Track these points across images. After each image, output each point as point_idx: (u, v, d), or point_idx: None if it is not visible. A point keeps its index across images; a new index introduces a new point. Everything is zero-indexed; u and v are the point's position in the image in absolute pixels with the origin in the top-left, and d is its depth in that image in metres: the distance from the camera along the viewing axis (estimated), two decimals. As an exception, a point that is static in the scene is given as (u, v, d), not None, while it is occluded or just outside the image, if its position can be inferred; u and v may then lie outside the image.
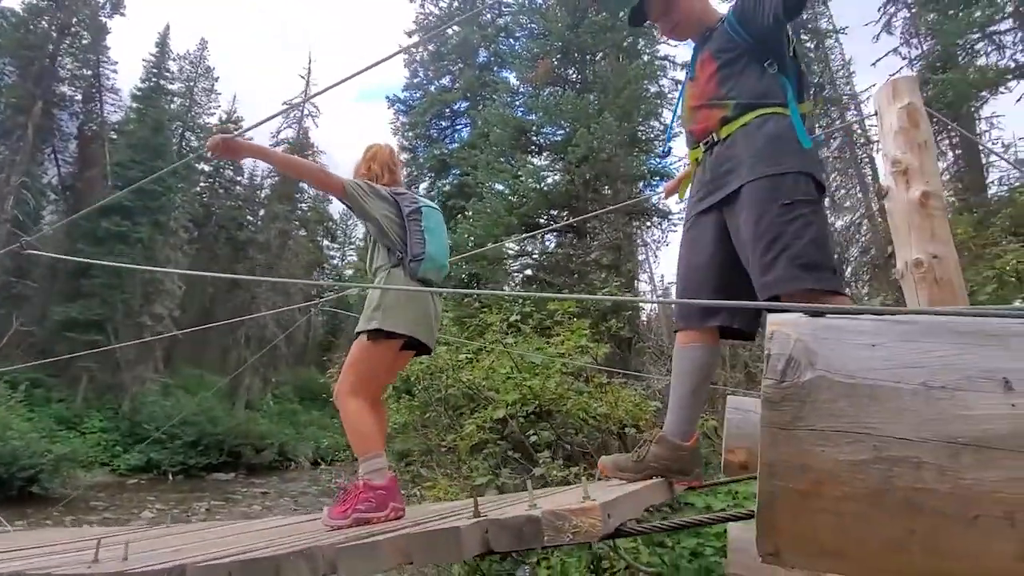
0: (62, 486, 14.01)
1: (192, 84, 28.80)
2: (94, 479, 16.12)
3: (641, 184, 12.47)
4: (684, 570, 3.40)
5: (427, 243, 2.17)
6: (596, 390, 4.68)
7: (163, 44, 25.57)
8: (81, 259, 2.79)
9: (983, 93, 9.91)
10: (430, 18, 24.77)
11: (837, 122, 13.48)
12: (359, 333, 2.10)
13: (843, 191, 14.01)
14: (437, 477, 4.81)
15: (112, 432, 18.76)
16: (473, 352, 5.30)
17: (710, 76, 1.77)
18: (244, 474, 19.42)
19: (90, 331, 19.08)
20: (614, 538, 1.51)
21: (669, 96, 13.14)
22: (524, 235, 11.51)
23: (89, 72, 24.00)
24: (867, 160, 13.20)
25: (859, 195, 13.39)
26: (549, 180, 12.48)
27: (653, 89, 12.57)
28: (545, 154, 14.11)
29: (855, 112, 13.50)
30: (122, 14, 24.10)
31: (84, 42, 23.53)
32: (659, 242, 14.31)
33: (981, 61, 10.39)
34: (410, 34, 24.91)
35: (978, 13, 9.67)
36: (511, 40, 20.45)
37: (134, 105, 24.12)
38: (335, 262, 35.42)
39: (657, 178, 12.35)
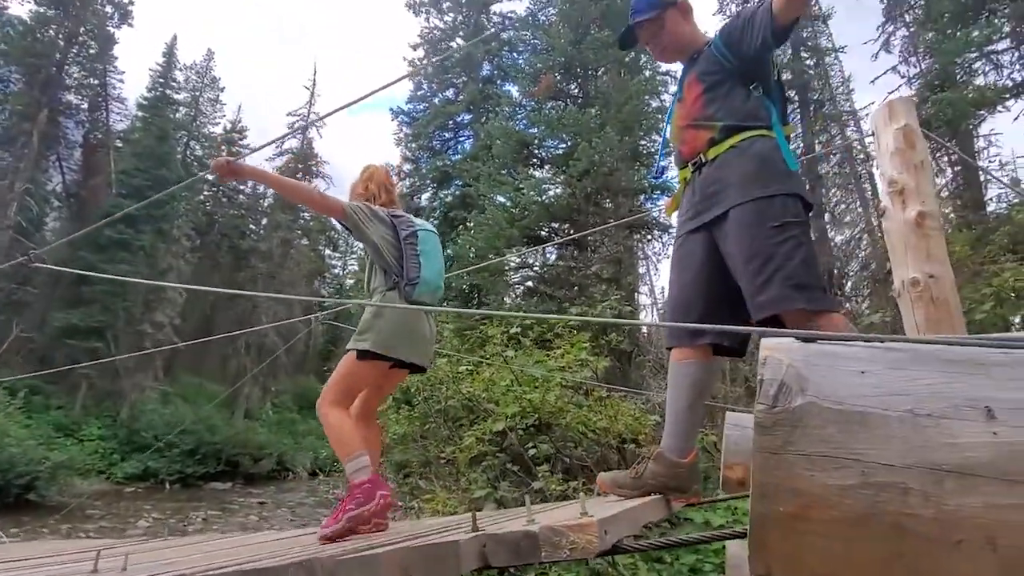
0: (59, 494, 13.93)
1: (198, 94, 29.10)
2: (91, 487, 16.03)
3: (642, 197, 12.55)
4: (683, 587, 3.39)
5: (422, 267, 2.21)
6: (596, 403, 4.69)
7: (170, 54, 25.86)
8: (89, 272, 2.78)
9: (981, 112, 10.01)
10: (435, 32, 25.07)
11: (837, 139, 13.59)
12: (349, 349, 2.16)
13: (843, 206, 14.08)
14: (436, 490, 4.80)
15: (110, 440, 18.70)
16: (473, 364, 5.31)
17: (697, 97, 1.82)
18: (242, 484, 19.31)
19: (90, 338, 19.10)
20: (611, 555, 1.52)
21: (670, 111, 13.22)
22: (525, 249, 11.56)
23: (95, 81, 24.26)
24: (867, 176, 13.28)
25: (859, 210, 13.46)
26: (551, 193, 12.56)
27: (654, 104, 12.70)
28: (547, 167, 14.22)
29: (855, 129, 13.62)
30: (130, 24, 24.43)
31: (91, 51, 23.80)
32: (660, 255, 14.38)
33: (979, 80, 10.52)
34: (415, 47, 25.20)
35: (976, 33, 9.80)
36: (514, 54, 20.68)
37: (140, 114, 24.34)
38: (336, 271, 35.55)
39: (658, 192, 12.43)
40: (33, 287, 20.00)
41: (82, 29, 23.22)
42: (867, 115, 11.14)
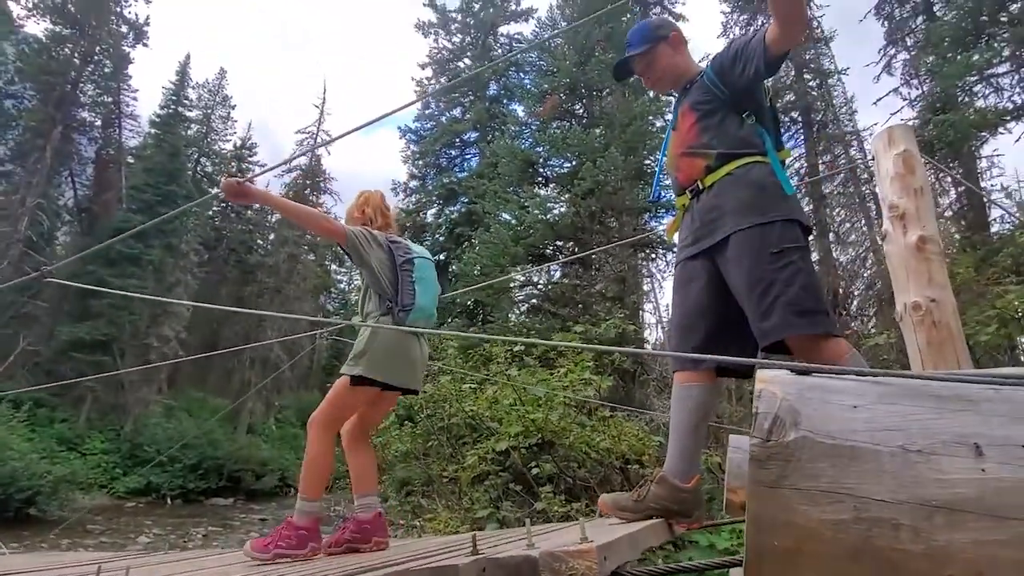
0: (59, 509, 13.86)
1: (209, 112, 29.59)
2: (92, 502, 15.96)
3: (646, 216, 12.60)
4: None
5: (417, 294, 2.26)
6: (599, 423, 4.67)
7: (183, 73, 26.36)
8: (100, 288, 2.82)
9: (983, 133, 10.08)
10: (443, 52, 25.48)
11: (841, 159, 13.64)
12: (343, 374, 2.21)
13: (848, 225, 14.07)
14: (438, 508, 4.77)
15: (113, 454, 18.65)
16: (477, 382, 5.31)
17: (691, 126, 1.86)
18: (243, 500, 19.18)
19: (96, 352, 19.18)
20: (613, 580, 1.51)
21: (674, 131, 13.31)
22: (530, 267, 11.60)
23: (109, 99, 24.71)
24: (871, 195, 13.30)
25: (863, 229, 13.44)
26: (555, 211, 12.63)
27: (658, 124, 12.80)
28: (552, 186, 14.32)
29: (857, 149, 13.68)
30: (145, 44, 24.95)
31: (106, 70, 24.29)
32: (664, 273, 14.38)
33: (980, 103, 10.61)
34: (423, 67, 25.62)
35: (976, 57, 9.92)
36: (520, 75, 20.99)
37: (152, 131, 24.73)
38: (342, 286, 35.66)
39: (662, 210, 12.48)
40: (42, 301, 20.16)
41: (97, 48, 23.74)
42: (870, 135, 11.21)
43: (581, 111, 15.22)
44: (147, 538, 12.28)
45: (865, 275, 12.44)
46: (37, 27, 22.85)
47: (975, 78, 10.38)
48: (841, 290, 11.29)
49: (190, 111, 27.59)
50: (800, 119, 13.94)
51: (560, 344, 1.79)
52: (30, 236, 20.14)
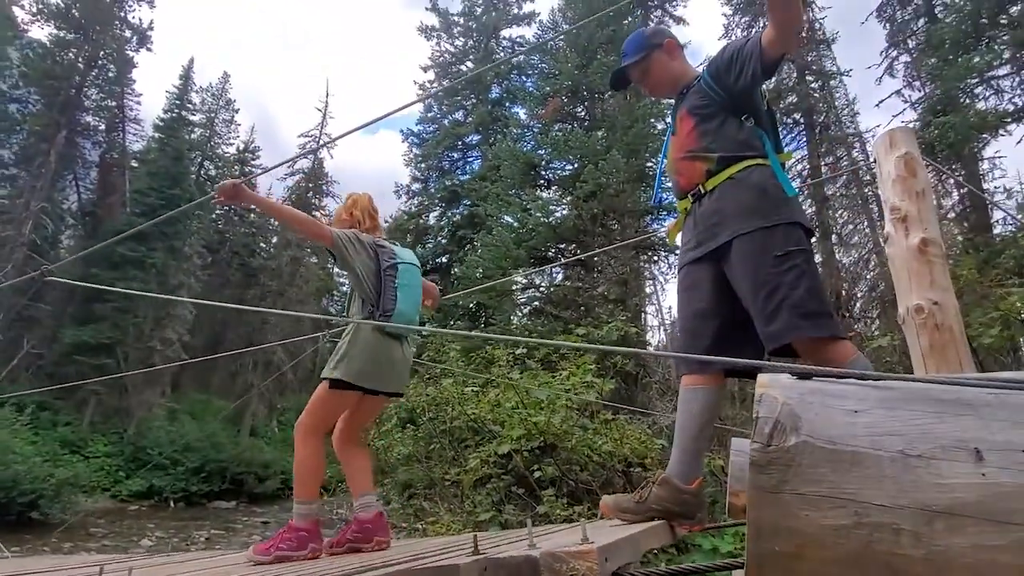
0: (62, 512, 13.86)
1: (213, 115, 29.71)
2: (95, 505, 15.98)
3: (648, 219, 12.61)
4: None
5: (399, 300, 2.27)
6: (601, 426, 4.66)
7: (186, 77, 26.48)
8: (99, 286, 2.86)
9: (984, 135, 10.09)
10: (445, 55, 25.55)
11: (843, 160, 13.63)
12: (323, 378, 2.22)
13: (851, 227, 14.05)
14: (440, 511, 4.76)
15: (116, 457, 18.68)
16: (479, 385, 5.31)
17: (690, 131, 1.86)
18: (246, 502, 19.19)
19: (100, 355, 19.22)
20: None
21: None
22: (532, 269, 11.61)
23: (113, 103, 24.83)
24: (873, 197, 13.28)
25: (866, 231, 13.42)
26: (557, 214, 12.65)
27: (660, 126, 12.82)
28: (554, 188, 14.34)
29: (860, 150, 13.67)
30: (148, 49, 25.08)
31: (110, 75, 24.42)
32: (667, 275, 14.37)
33: (981, 105, 10.63)
34: (426, 70, 25.68)
35: (976, 59, 9.95)
36: (523, 77, 21.03)
37: (156, 135, 24.84)
38: (344, 289, 35.70)
39: (664, 212, 12.48)
40: (45, 303, 20.25)
41: (101, 53, 23.86)
42: (872, 137, 11.21)
43: (583, 114, 15.24)
44: (150, 541, 12.29)
45: (868, 277, 12.41)
46: (41, 32, 23.03)
47: (976, 80, 10.41)
48: (844, 292, 11.26)
49: (193, 115, 27.73)
50: (802, 121, 13.93)
51: (563, 344, 1.79)
52: (34, 239, 20.24)
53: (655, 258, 13.50)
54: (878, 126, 12.77)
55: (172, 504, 17.87)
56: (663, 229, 13.12)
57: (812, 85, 14.07)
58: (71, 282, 2.92)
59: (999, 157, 10.74)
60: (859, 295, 11.96)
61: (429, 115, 24.77)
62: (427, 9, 25.46)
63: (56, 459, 15.60)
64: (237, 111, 30.74)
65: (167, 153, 23.84)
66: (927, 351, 2.21)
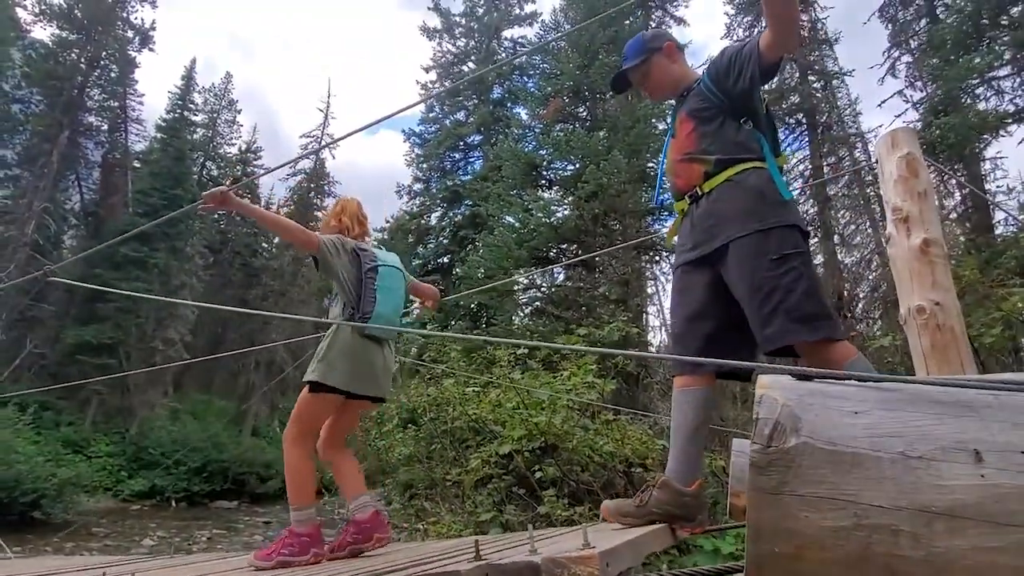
0: (64, 512, 13.88)
1: (215, 116, 29.77)
2: (97, 504, 16.02)
3: (650, 219, 12.60)
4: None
5: (378, 302, 2.26)
6: (602, 427, 4.66)
7: (189, 77, 26.54)
8: (101, 287, 2.86)
9: (985, 136, 10.09)
10: (447, 56, 25.56)
11: (845, 160, 13.61)
12: (304, 382, 2.23)
13: (853, 227, 14.02)
14: (441, 512, 4.76)
15: (118, 457, 18.72)
16: (480, 385, 5.31)
17: (689, 133, 1.87)
18: (248, 502, 19.21)
19: (102, 355, 19.27)
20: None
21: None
22: (533, 270, 11.61)
23: (116, 103, 24.89)
24: (875, 197, 13.25)
25: (869, 231, 13.39)
26: (559, 214, 12.65)
27: (661, 127, 12.81)
28: (555, 189, 14.34)
29: (862, 151, 13.64)
30: (151, 49, 25.13)
31: (112, 75, 24.48)
32: (668, 276, 14.36)
33: (982, 106, 10.62)
34: (427, 70, 25.70)
35: (977, 60, 9.96)
36: (524, 78, 21.03)
37: (158, 135, 24.90)
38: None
39: (666, 213, 12.48)
40: (48, 304, 20.30)
41: (104, 53, 23.92)
42: (875, 137, 11.21)
43: (584, 114, 15.24)
44: (152, 541, 12.30)
45: (870, 277, 12.39)
46: (44, 32, 23.11)
47: (976, 81, 10.40)
48: (846, 293, 11.25)
49: (196, 115, 27.79)
50: (804, 121, 13.91)
51: (563, 347, 1.79)
52: (37, 240, 20.29)
53: (656, 258, 13.48)
54: (880, 126, 12.76)
55: (174, 504, 17.90)
56: (664, 230, 13.12)
57: (814, 85, 14.05)
58: (72, 283, 2.93)
59: (1000, 158, 10.75)
60: (861, 296, 11.94)
61: (431, 115, 24.78)
62: (429, 9, 25.50)
63: (58, 459, 15.62)
64: (239, 111, 30.84)
65: (169, 153, 23.89)
66: (928, 351, 2.21)
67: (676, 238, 1.98)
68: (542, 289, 13.36)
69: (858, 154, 13.72)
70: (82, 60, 23.23)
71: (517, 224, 12.74)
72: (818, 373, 0.83)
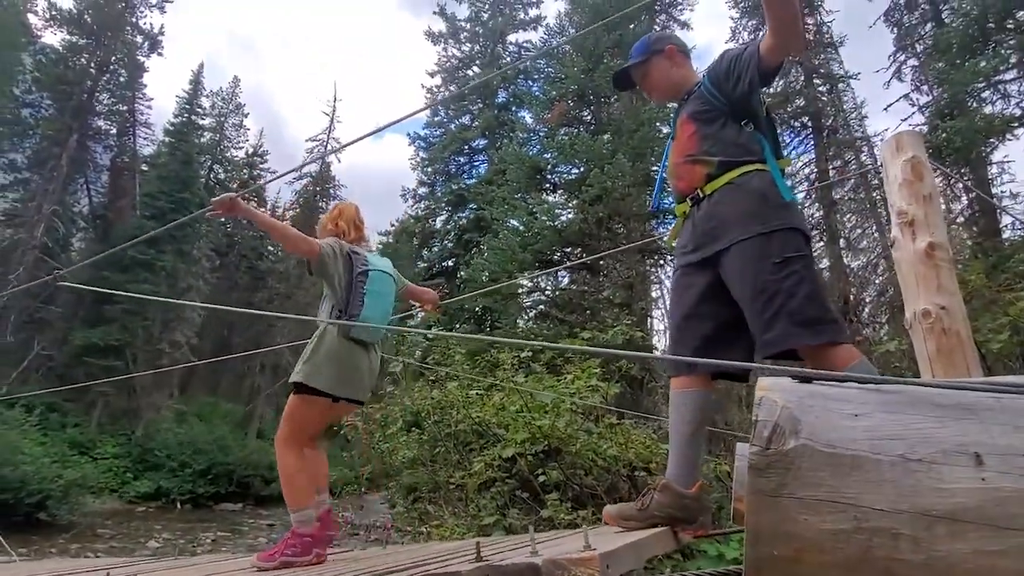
0: (70, 513, 13.92)
1: (223, 119, 29.98)
2: (103, 506, 16.07)
3: (654, 222, 12.57)
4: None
5: (365, 306, 2.28)
6: (606, 430, 4.64)
7: (196, 81, 26.75)
8: (111, 291, 2.88)
9: (992, 140, 10.03)
10: (452, 60, 25.67)
11: (851, 164, 13.55)
12: (290, 384, 2.24)
13: (859, 231, 13.95)
14: (444, 515, 4.76)
15: (124, 458, 18.79)
16: (484, 388, 5.30)
17: (690, 135, 1.87)
18: (252, 505, 19.24)
19: (109, 357, 19.38)
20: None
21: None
22: (538, 272, 11.61)
23: (124, 107, 25.12)
24: (882, 201, 13.17)
25: (875, 235, 13.32)
26: (563, 217, 12.64)
27: (665, 130, 12.81)
28: (559, 192, 14.35)
29: (868, 154, 13.58)
30: (159, 54, 25.36)
31: (121, 79, 24.71)
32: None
33: (988, 109, 10.56)
34: (432, 75, 25.82)
35: (983, 63, 9.90)
36: (529, 82, 21.08)
37: (166, 139, 25.09)
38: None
39: (671, 216, 12.44)
40: (56, 306, 20.44)
41: (113, 58, 24.16)
42: (881, 141, 11.15)
43: (589, 118, 15.25)
44: (156, 543, 12.34)
45: (877, 282, 12.30)
46: (54, 37, 23.36)
47: (982, 84, 10.35)
48: (852, 297, 11.17)
49: (203, 119, 27.99)
50: (810, 124, 13.87)
51: (568, 347, 1.79)
52: (46, 242, 20.47)
53: (661, 262, 13.44)
54: (886, 130, 12.68)
55: (179, 506, 17.95)
56: (668, 233, 13.07)
57: (820, 88, 14.02)
58: (82, 287, 2.96)
59: (1008, 161, 10.68)
60: (868, 300, 11.86)
61: (436, 119, 24.88)
62: (434, 13, 25.64)
63: (64, 460, 15.68)
64: (247, 115, 31.04)
65: (177, 157, 24.07)
66: (934, 356, 2.19)
67: (677, 240, 1.98)
68: (546, 292, 13.36)
69: (864, 158, 13.66)
70: (92, 65, 23.47)
71: (521, 227, 12.74)
72: (817, 375, 0.82)
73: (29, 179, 21.74)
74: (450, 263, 20.70)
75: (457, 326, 14.18)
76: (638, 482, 4.30)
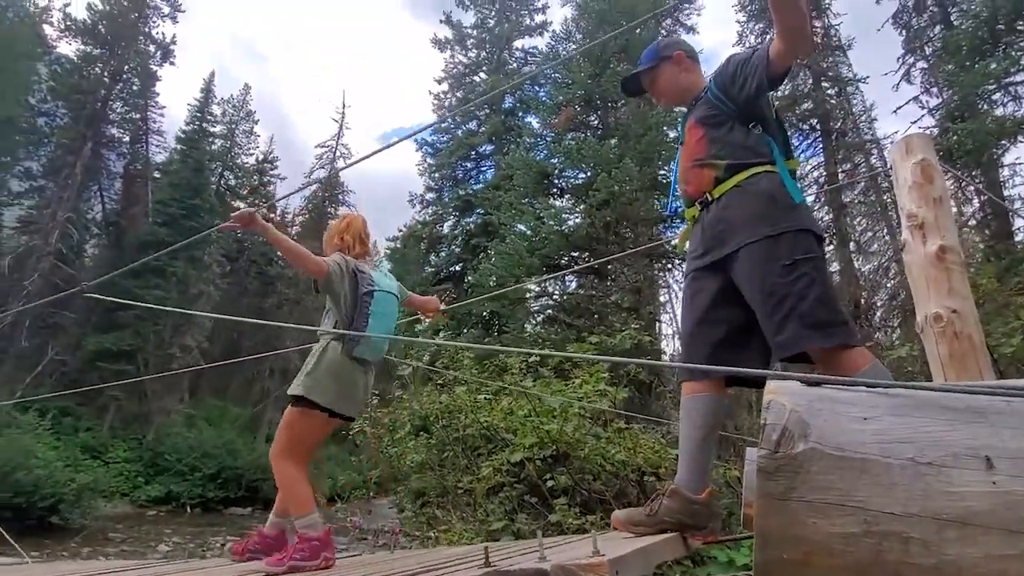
0: (82, 516, 14.03)
1: (234, 127, 30.31)
2: (114, 510, 16.20)
3: (661, 226, 12.55)
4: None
5: (369, 327, 2.29)
6: (615, 435, 4.62)
7: (208, 90, 27.08)
8: (139, 303, 2.89)
9: (1003, 142, 9.92)
10: (459, 67, 25.81)
11: (861, 167, 13.46)
12: (290, 396, 2.26)
13: (870, 234, 13.83)
14: (453, 520, 4.75)
15: (135, 462, 18.95)
16: (492, 392, 5.30)
17: (699, 140, 1.87)
18: (261, 509, 19.29)
19: (121, 361, 19.58)
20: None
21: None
22: (545, 277, 11.61)
23: (137, 116, 25.47)
24: (892, 204, 13.06)
25: (886, 238, 13.20)
26: (570, 222, 12.66)
27: (673, 134, 12.80)
28: (567, 197, 14.36)
29: (878, 157, 13.48)
30: (172, 63, 25.71)
31: (134, 88, 25.08)
32: (681, 284, 14.24)
33: (999, 111, 10.47)
34: (440, 82, 25.97)
35: (993, 65, 9.81)
36: (536, 87, 21.15)
37: (178, 147, 25.40)
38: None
39: (679, 220, 12.42)
40: (70, 312, 20.69)
41: (126, 67, 24.53)
42: (890, 144, 11.04)
43: (596, 122, 15.27)
44: (167, 547, 12.41)
45: (888, 286, 12.19)
46: (69, 47, 23.77)
47: (993, 86, 10.25)
48: (863, 301, 11.06)
49: (214, 126, 28.32)
50: (819, 127, 13.79)
51: (574, 356, 1.79)
52: (60, 249, 20.76)
53: (669, 266, 13.40)
54: (896, 132, 12.63)
55: (189, 510, 18.06)
56: (676, 237, 13.03)
57: (828, 91, 13.94)
58: (109, 298, 2.95)
59: (1019, 164, 10.55)
60: (879, 304, 11.74)
61: (443, 125, 25.00)
62: (441, 21, 25.83)
63: (77, 464, 15.83)
64: (257, 122, 31.36)
65: (188, 164, 24.35)
66: (946, 360, 2.16)
67: (687, 244, 1.98)
68: (554, 297, 13.35)
69: (874, 160, 13.56)
70: (105, 74, 23.85)
71: (529, 232, 12.76)
72: (827, 380, 0.82)
73: (44, 187, 22.08)
74: (458, 268, 20.75)
75: (465, 331, 14.20)
76: (647, 487, 4.28)
